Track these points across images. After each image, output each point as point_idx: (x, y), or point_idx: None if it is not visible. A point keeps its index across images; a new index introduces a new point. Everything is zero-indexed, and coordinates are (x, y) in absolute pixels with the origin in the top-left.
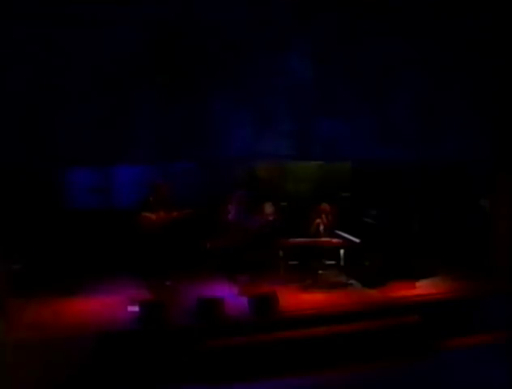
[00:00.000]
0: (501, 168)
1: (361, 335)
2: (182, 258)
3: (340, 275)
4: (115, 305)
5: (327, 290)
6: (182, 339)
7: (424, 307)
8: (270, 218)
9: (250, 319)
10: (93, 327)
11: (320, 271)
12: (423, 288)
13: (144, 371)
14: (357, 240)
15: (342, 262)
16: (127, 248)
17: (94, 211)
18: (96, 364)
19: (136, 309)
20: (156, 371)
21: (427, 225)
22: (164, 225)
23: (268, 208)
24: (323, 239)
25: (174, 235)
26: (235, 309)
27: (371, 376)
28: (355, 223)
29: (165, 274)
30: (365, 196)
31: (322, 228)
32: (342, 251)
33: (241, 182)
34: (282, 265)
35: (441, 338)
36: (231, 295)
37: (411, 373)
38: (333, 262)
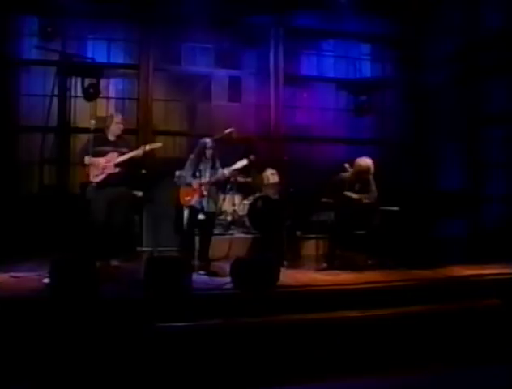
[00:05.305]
0: None
1: (420, 323)
2: None
3: (371, 254)
4: (27, 278)
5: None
6: (120, 318)
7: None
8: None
9: (232, 294)
10: None
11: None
12: (493, 269)
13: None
14: (395, 208)
15: (375, 235)
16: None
17: None
18: None
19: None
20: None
21: None
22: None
23: (272, 177)
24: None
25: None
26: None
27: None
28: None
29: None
30: None
31: (357, 187)
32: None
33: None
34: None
35: None
36: None
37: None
38: (362, 233)
